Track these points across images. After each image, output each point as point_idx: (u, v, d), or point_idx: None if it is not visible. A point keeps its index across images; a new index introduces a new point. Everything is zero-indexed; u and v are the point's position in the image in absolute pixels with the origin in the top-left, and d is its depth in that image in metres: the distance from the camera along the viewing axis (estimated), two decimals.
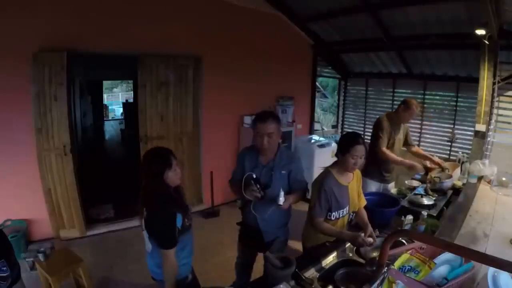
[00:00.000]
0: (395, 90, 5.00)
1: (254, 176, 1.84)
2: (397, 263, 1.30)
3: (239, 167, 2.04)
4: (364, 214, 1.98)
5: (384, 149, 2.81)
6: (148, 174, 1.56)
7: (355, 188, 1.96)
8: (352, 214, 1.98)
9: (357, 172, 1.98)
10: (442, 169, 2.94)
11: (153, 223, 1.54)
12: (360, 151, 1.76)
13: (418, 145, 4.73)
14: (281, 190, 1.77)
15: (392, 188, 3.11)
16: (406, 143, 3.12)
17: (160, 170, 1.53)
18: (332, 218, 1.85)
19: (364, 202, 2.03)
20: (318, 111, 7.49)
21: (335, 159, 1.92)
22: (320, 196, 1.80)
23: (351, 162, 1.78)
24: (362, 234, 1.73)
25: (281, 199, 1.74)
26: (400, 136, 3.00)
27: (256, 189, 1.79)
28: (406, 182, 2.98)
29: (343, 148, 1.80)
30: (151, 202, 1.55)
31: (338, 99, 6.12)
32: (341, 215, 1.87)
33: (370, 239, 1.73)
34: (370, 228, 1.83)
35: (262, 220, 1.95)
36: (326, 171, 1.90)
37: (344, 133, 1.95)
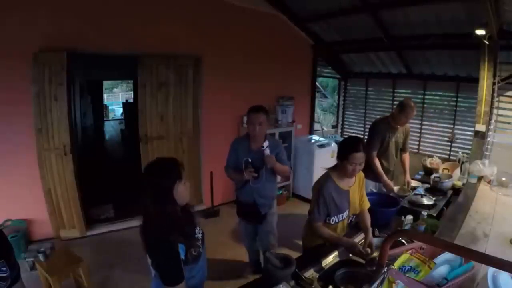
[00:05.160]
0: (395, 90, 5.01)
1: (250, 160, 2.27)
2: (397, 263, 1.30)
3: (232, 154, 2.43)
4: (367, 217, 1.95)
5: (373, 154, 2.79)
6: (153, 191, 1.30)
7: (357, 191, 1.93)
8: (352, 216, 1.97)
9: (360, 175, 1.95)
10: (407, 185, 2.87)
11: (154, 255, 1.32)
12: (358, 158, 1.74)
13: (418, 145, 4.75)
14: (266, 141, 2.25)
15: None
16: (403, 147, 3.05)
17: (169, 184, 1.30)
18: (332, 223, 1.84)
19: (367, 205, 2.00)
20: (318, 111, 7.48)
21: (335, 159, 1.92)
22: (318, 201, 1.79)
23: (350, 169, 1.76)
24: (362, 239, 1.72)
25: (266, 143, 2.24)
26: (397, 140, 2.94)
27: (252, 170, 2.24)
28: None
29: (342, 155, 1.78)
30: (152, 227, 1.30)
31: (338, 99, 6.13)
32: (340, 219, 1.86)
33: (368, 250, 1.72)
34: (370, 236, 1.81)
35: (259, 197, 2.39)
36: (326, 175, 1.87)
37: (345, 137, 1.95)
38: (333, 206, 1.81)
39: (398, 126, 2.88)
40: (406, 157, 3.10)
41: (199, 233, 1.49)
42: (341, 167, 1.82)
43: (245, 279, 2.75)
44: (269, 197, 2.48)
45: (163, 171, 1.34)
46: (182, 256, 1.30)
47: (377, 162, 2.83)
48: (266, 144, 2.24)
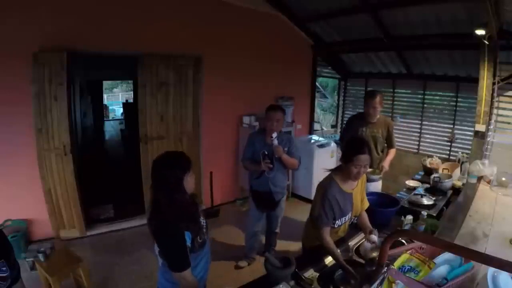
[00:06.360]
0: (395, 90, 5.01)
1: (266, 152, 2.53)
2: (397, 263, 1.30)
3: (249, 147, 2.67)
4: (366, 217, 1.95)
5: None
6: (165, 181, 1.38)
7: (359, 193, 1.93)
8: (354, 218, 1.97)
9: (362, 176, 1.93)
10: (380, 169, 2.92)
11: (162, 243, 1.38)
12: (363, 160, 1.70)
13: (418, 145, 4.75)
14: (275, 132, 2.48)
15: (377, 188, 3.03)
16: (388, 143, 3.02)
17: (181, 174, 1.40)
18: (335, 226, 1.83)
19: (367, 205, 2.00)
20: (317, 111, 7.48)
21: (334, 159, 1.91)
22: (324, 205, 1.75)
23: (354, 171, 1.71)
24: (362, 239, 1.72)
25: (274, 134, 2.47)
26: (375, 135, 2.90)
27: (268, 161, 2.52)
28: (406, 182, 2.98)
29: (346, 157, 1.74)
30: (163, 216, 1.36)
31: (338, 99, 6.13)
32: (343, 222, 1.86)
33: (374, 237, 1.73)
34: (371, 235, 1.80)
35: (274, 186, 2.66)
36: (330, 178, 1.83)
37: (350, 139, 1.96)
38: (338, 210, 1.78)
39: (374, 121, 2.88)
40: (391, 151, 3.04)
41: (203, 222, 1.55)
42: (345, 169, 1.77)
43: (245, 279, 2.76)
44: (282, 186, 2.77)
45: (175, 162, 1.44)
46: (188, 244, 1.37)
47: None
48: (274, 135, 2.47)
